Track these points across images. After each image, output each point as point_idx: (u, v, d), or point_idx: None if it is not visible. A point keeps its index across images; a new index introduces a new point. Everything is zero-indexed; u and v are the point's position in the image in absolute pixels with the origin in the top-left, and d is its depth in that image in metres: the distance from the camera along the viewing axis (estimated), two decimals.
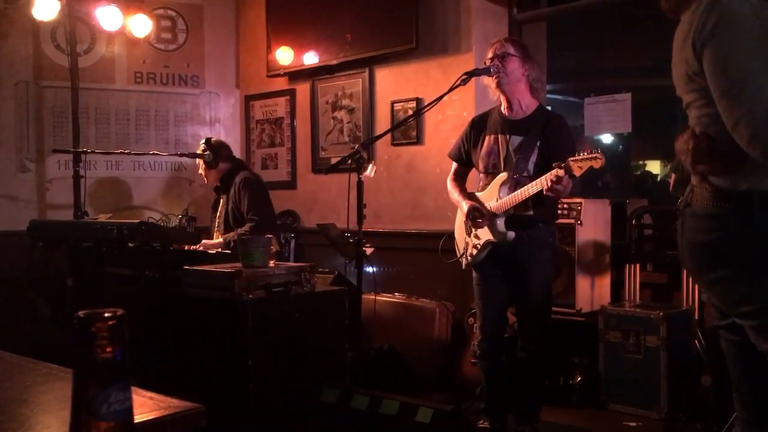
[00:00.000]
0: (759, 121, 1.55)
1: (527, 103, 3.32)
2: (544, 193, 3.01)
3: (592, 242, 4.06)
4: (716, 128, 1.67)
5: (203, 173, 4.46)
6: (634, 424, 3.65)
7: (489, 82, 3.31)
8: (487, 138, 3.37)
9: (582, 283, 4.00)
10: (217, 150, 4.38)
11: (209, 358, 2.98)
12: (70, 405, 0.69)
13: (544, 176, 3.01)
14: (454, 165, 3.57)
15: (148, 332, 3.24)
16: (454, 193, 3.49)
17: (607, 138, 7.28)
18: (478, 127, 3.44)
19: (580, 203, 3.96)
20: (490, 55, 3.30)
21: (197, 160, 4.50)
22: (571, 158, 2.92)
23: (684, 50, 1.71)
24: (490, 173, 3.32)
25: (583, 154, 2.90)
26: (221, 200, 4.45)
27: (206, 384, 2.90)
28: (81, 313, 0.68)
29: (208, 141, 4.45)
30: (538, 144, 3.23)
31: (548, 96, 5.64)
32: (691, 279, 3.77)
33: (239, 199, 4.24)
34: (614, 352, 3.82)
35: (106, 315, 0.68)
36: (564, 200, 3.87)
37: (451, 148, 3.58)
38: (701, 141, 1.73)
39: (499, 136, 3.32)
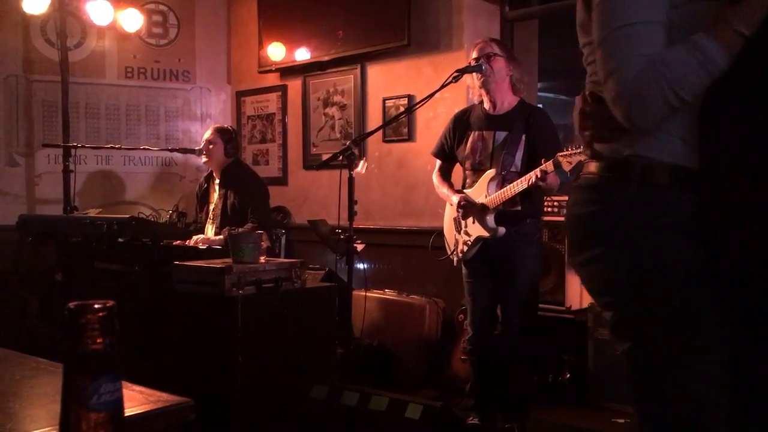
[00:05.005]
0: (627, 80, 1.33)
1: (509, 101, 3.34)
2: (533, 186, 3.03)
3: None
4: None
5: (211, 155, 4.20)
6: (622, 420, 3.66)
7: (471, 81, 3.34)
8: (471, 135, 3.38)
9: (572, 281, 4.01)
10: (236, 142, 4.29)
11: (199, 353, 2.98)
12: (59, 398, 0.69)
13: (531, 172, 3.03)
14: (438, 162, 3.59)
15: (138, 327, 3.24)
16: (442, 188, 3.51)
17: None
18: (461, 123, 3.46)
19: None
20: (474, 54, 3.32)
21: (208, 142, 4.22)
22: (561, 153, 2.93)
23: None
24: (477, 170, 3.34)
25: (573, 149, 2.90)
26: (214, 192, 4.28)
27: (195, 379, 2.90)
28: (72, 305, 0.68)
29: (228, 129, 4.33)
30: (523, 138, 3.24)
31: (539, 94, 5.65)
32: None
33: (246, 197, 4.09)
34: (603, 350, 3.82)
35: (96, 306, 0.68)
36: (555, 197, 3.88)
37: (435, 146, 3.60)
38: (588, 103, 1.49)
39: (484, 132, 3.34)
